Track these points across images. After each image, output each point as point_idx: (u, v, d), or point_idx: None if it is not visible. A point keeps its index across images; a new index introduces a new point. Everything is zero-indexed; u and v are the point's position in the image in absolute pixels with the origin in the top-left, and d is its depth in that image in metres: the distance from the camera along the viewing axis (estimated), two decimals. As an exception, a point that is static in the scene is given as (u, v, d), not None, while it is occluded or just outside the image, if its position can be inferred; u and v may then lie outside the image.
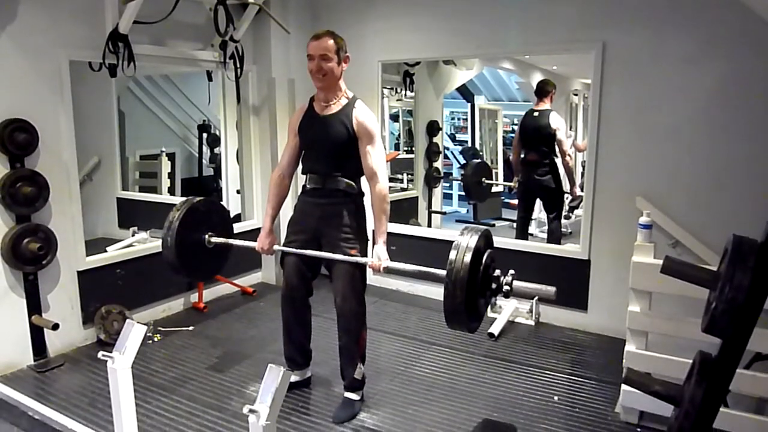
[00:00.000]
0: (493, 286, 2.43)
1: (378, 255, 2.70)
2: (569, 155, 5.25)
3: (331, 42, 2.69)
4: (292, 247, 2.88)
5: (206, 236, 3.10)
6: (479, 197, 6.63)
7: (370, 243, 2.88)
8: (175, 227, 2.95)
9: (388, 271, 2.73)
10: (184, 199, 3.13)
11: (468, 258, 2.27)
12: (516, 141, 5.52)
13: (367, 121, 2.74)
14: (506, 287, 2.41)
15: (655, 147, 3.57)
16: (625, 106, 3.64)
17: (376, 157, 2.73)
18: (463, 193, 7.74)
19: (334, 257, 2.76)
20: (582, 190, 4.57)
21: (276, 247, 2.97)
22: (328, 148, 2.79)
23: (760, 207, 3.07)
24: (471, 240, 2.33)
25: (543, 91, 5.28)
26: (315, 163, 2.86)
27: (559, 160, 5.25)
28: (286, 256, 2.93)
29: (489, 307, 4.18)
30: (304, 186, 2.90)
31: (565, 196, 5.72)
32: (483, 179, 6.51)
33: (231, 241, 3.15)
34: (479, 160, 7.17)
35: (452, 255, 2.30)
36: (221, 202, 3.26)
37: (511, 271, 2.45)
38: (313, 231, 2.84)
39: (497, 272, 2.44)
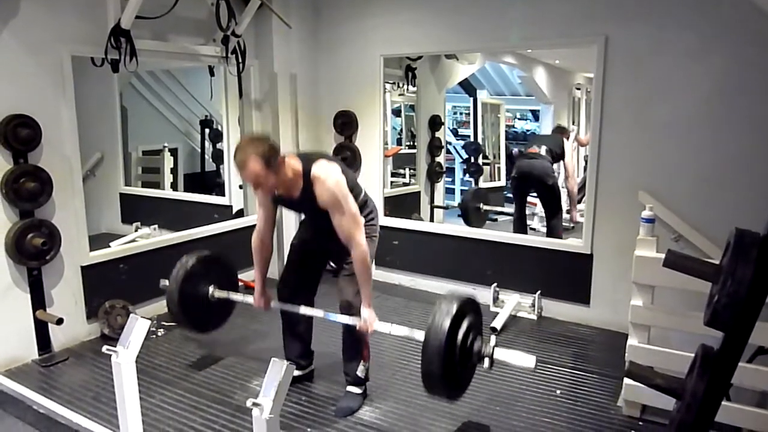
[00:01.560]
0: (474, 357, 2.40)
1: (365, 319, 2.68)
2: (573, 178, 5.40)
3: (254, 164, 2.42)
4: (298, 247, 2.96)
5: (210, 290, 3.14)
6: (477, 223, 6.62)
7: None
8: (179, 282, 3.03)
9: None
10: (186, 256, 3.17)
11: (444, 329, 2.25)
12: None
13: (327, 195, 2.55)
14: (487, 360, 2.38)
15: (658, 141, 3.56)
16: (628, 100, 3.63)
17: (348, 221, 2.58)
18: (465, 188, 7.75)
19: (328, 316, 2.79)
20: (582, 216, 4.60)
21: (273, 304, 3.00)
22: (316, 217, 2.72)
23: (763, 200, 3.06)
24: (451, 308, 2.30)
25: (561, 129, 5.95)
26: (311, 221, 2.91)
27: (560, 180, 5.39)
28: (290, 255, 3.00)
29: (490, 301, 4.20)
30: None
31: (565, 209, 5.79)
32: (481, 205, 6.53)
33: (233, 296, 3.20)
34: (477, 187, 7.20)
35: (429, 323, 2.29)
36: (224, 257, 3.37)
37: (493, 338, 2.45)
38: (320, 242, 2.87)
39: (477, 344, 2.40)
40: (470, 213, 6.43)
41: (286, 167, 2.54)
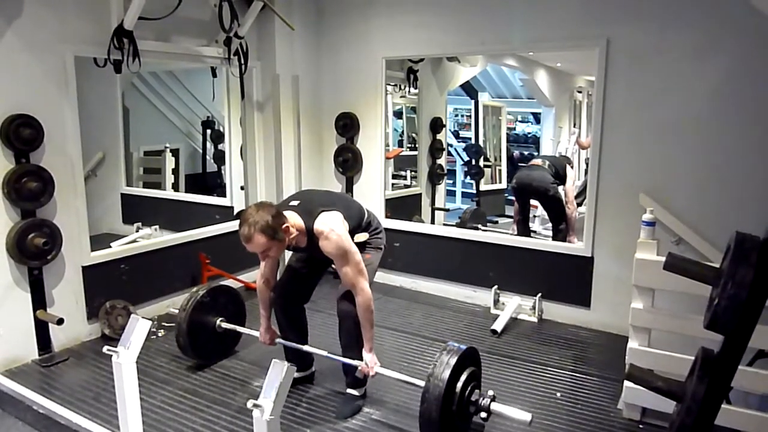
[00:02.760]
0: (472, 409, 2.47)
1: (367, 362, 2.77)
2: (573, 204, 5.37)
3: (260, 239, 2.49)
4: (301, 255, 3.00)
5: (217, 322, 3.29)
6: None
7: (364, 351, 2.84)
8: (187, 316, 3.17)
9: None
10: (195, 289, 3.33)
11: (446, 376, 2.33)
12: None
13: (331, 248, 2.63)
14: (483, 414, 2.45)
15: (659, 144, 3.56)
16: (629, 102, 3.64)
17: (353, 271, 2.67)
18: (466, 191, 7.76)
19: (329, 356, 2.87)
20: (579, 239, 4.60)
21: (278, 340, 3.08)
22: (320, 259, 2.85)
23: (764, 204, 3.07)
24: (451, 361, 2.38)
25: (566, 159, 5.88)
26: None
27: (561, 195, 5.38)
28: (289, 264, 3.04)
29: (491, 303, 4.20)
30: None
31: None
32: (479, 226, 6.53)
33: (239, 328, 3.36)
34: (476, 207, 7.19)
35: (429, 375, 2.37)
36: (233, 289, 3.52)
37: (490, 392, 2.50)
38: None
39: (475, 396, 2.47)
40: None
41: (290, 231, 2.59)
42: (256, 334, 3.12)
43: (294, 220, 2.64)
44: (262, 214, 2.50)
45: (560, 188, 5.40)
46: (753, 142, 3.28)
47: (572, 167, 5.82)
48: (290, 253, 3.06)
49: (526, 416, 2.41)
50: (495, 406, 2.45)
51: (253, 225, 2.47)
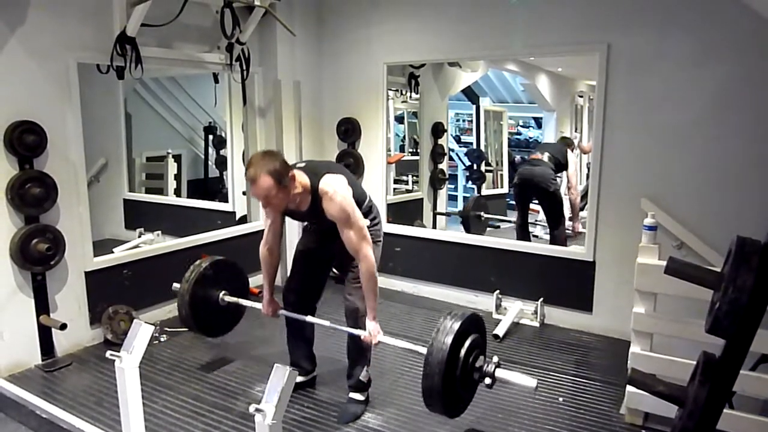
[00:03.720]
0: (476, 375, 2.42)
1: (370, 331, 2.72)
2: (576, 190, 5.39)
3: (266, 181, 2.47)
4: (302, 254, 2.99)
5: (220, 295, 3.20)
6: (478, 231, 6.62)
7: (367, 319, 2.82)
8: (189, 288, 3.09)
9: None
10: (198, 261, 3.24)
11: (446, 347, 2.27)
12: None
13: (335, 210, 2.59)
14: (488, 380, 2.40)
15: (660, 148, 3.57)
16: (630, 107, 3.64)
17: (356, 235, 2.61)
18: (467, 195, 7.75)
19: (334, 327, 2.83)
20: (584, 227, 4.62)
21: (281, 312, 3.02)
22: (324, 227, 2.76)
23: (765, 208, 3.07)
24: (454, 325, 2.33)
25: (565, 142, 5.83)
26: (316, 228, 2.93)
27: (563, 189, 5.38)
28: (295, 260, 3.01)
29: (492, 308, 4.20)
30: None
31: (565, 208, 5.79)
32: (482, 213, 6.54)
33: (242, 301, 3.26)
34: (478, 195, 7.20)
35: (432, 340, 2.32)
36: (234, 262, 3.41)
37: (495, 359, 2.46)
38: (326, 245, 2.89)
39: (480, 361, 2.42)
40: (471, 221, 6.44)
41: (295, 183, 2.57)
42: (259, 306, 3.07)
43: (300, 177, 2.61)
44: (270, 158, 2.51)
45: (563, 174, 5.47)
46: (753, 146, 3.28)
47: (573, 149, 5.80)
48: (293, 258, 3.06)
49: (532, 382, 2.38)
50: (500, 373, 2.40)
51: (261, 167, 2.46)
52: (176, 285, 3.15)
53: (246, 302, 3.24)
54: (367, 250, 2.63)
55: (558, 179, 5.54)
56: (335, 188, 2.59)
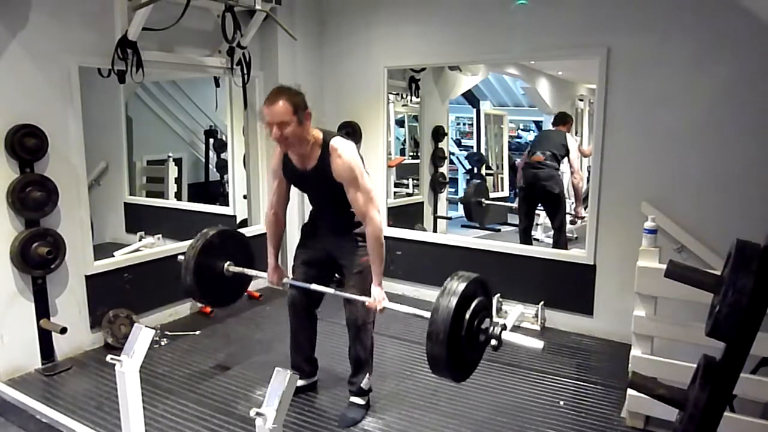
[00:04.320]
0: (482, 338, 2.36)
1: (375, 296, 2.70)
2: (579, 175, 5.34)
3: (286, 105, 2.47)
4: (303, 254, 2.95)
5: (225, 265, 3.13)
6: (479, 217, 6.63)
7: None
8: (195, 255, 3.01)
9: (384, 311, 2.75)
10: (205, 230, 3.15)
11: (451, 309, 2.22)
12: (527, 150, 5.61)
13: (345, 167, 2.59)
14: (494, 341, 2.35)
15: (661, 151, 3.57)
16: (631, 110, 3.65)
17: (364, 197, 2.63)
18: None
19: (339, 294, 2.79)
20: (586, 211, 4.60)
21: (285, 280, 2.99)
22: (322, 197, 2.80)
23: (765, 211, 3.07)
24: (459, 287, 2.28)
25: (561, 118, 5.63)
26: (317, 207, 2.91)
27: (566, 178, 5.33)
28: (296, 265, 2.98)
29: (494, 312, 4.19)
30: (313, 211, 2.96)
31: (569, 206, 5.76)
32: (482, 200, 6.53)
33: (247, 271, 3.20)
34: (478, 181, 7.18)
35: (436, 304, 2.27)
36: (240, 231, 3.30)
37: (502, 321, 2.44)
38: (325, 243, 2.89)
39: (486, 323, 2.37)
40: (472, 207, 6.44)
41: (309, 127, 2.58)
42: (263, 275, 3.05)
43: (314, 131, 2.63)
44: (292, 91, 2.55)
45: (564, 160, 5.40)
46: (753, 149, 3.29)
47: (569, 130, 5.63)
48: (293, 268, 3.05)
49: (539, 344, 2.35)
50: (506, 335, 2.35)
51: (282, 93, 2.50)
52: (181, 257, 3.08)
53: (252, 272, 3.17)
54: (374, 213, 2.64)
55: (561, 174, 5.46)
56: (345, 147, 2.62)
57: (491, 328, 2.35)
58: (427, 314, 2.33)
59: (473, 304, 2.32)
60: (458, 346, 2.27)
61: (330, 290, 2.85)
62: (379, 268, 2.69)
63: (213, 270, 3.10)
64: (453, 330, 2.22)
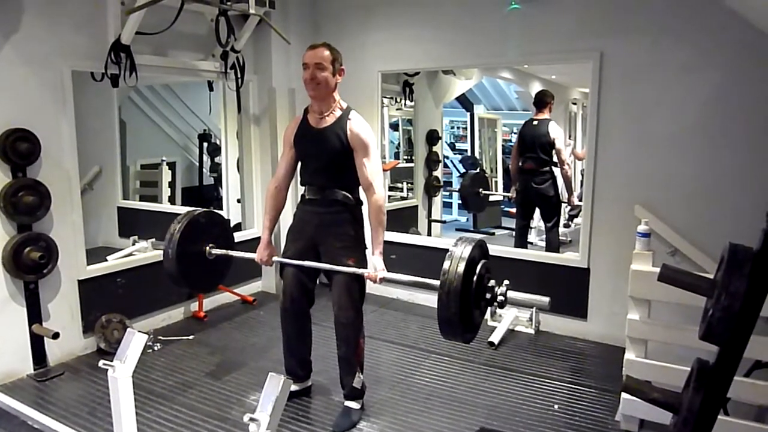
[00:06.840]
0: (488, 296, 2.42)
1: (375, 266, 2.71)
2: (567, 164, 5.28)
3: (326, 52, 2.71)
4: (290, 255, 2.90)
5: (207, 248, 3.09)
6: (477, 208, 6.65)
7: (368, 252, 2.88)
8: (176, 239, 2.94)
9: (385, 282, 2.75)
10: (185, 210, 3.13)
11: (461, 268, 2.27)
12: (515, 149, 5.53)
13: (361, 133, 2.72)
14: (500, 297, 2.40)
15: (654, 155, 3.59)
16: (624, 114, 3.67)
17: (372, 168, 2.73)
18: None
19: (332, 268, 2.77)
20: (580, 200, 4.61)
21: (275, 258, 2.99)
22: (324, 161, 2.80)
23: (758, 215, 3.08)
24: (465, 250, 2.33)
25: (542, 101, 5.32)
26: (312, 175, 2.88)
27: (557, 170, 5.29)
28: (285, 268, 2.95)
29: (487, 315, 4.19)
30: (302, 195, 2.92)
31: (563, 205, 5.75)
32: (480, 190, 6.54)
33: (231, 252, 3.16)
34: (476, 171, 7.19)
35: (446, 265, 2.30)
36: (221, 214, 3.25)
37: (506, 282, 2.45)
38: (312, 239, 2.86)
39: (492, 282, 2.43)
40: (470, 198, 6.44)
41: (336, 87, 2.79)
42: (249, 255, 3.01)
43: (338, 97, 2.83)
44: (336, 49, 2.79)
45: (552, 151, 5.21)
46: (745, 153, 3.31)
47: (552, 110, 5.33)
48: (284, 256, 3.03)
49: (544, 300, 2.40)
50: (512, 293, 2.41)
51: (327, 43, 2.77)
52: (159, 242, 3.02)
53: (236, 253, 3.12)
54: (379, 183, 2.74)
55: (553, 176, 5.39)
56: (364, 120, 2.80)
57: (496, 287, 2.41)
58: (435, 282, 2.36)
59: (479, 266, 2.38)
60: (468, 308, 2.32)
61: (324, 265, 2.80)
62: (379, 238, 2.75)
63: (195, 253, 3.05)
64: (464, 293, 2.27)
